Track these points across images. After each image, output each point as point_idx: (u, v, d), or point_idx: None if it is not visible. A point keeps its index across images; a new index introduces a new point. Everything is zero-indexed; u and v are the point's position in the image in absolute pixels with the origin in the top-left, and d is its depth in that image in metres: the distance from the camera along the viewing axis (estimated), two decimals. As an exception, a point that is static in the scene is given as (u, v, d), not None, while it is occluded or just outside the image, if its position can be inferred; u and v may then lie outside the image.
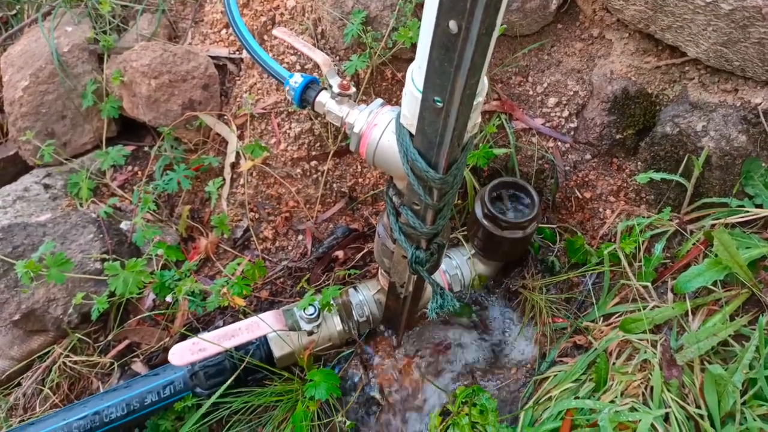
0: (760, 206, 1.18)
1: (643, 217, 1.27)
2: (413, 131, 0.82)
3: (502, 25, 1.31)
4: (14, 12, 1.90)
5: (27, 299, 1.26)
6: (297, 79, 1.04)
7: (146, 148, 1.58)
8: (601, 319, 1.24)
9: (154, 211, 1.50)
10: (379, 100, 1.01)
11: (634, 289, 1.21)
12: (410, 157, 0.84)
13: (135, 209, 1.48)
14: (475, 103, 0.76)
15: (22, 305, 1.26)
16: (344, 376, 1.31)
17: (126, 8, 1.65)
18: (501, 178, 1.30)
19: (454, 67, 0.65)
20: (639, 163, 1.30)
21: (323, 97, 1.02)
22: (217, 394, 1.13)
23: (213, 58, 1.57)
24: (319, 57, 1.04)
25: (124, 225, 1.43)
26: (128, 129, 1.64)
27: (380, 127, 0.94)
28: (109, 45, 1.56)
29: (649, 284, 1.19)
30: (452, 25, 0.60)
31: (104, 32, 1.59)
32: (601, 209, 1.35)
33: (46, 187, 1.53)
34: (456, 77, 0.66)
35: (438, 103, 0.71)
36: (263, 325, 1.16)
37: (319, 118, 1.43)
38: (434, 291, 0.94)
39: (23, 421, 1.27)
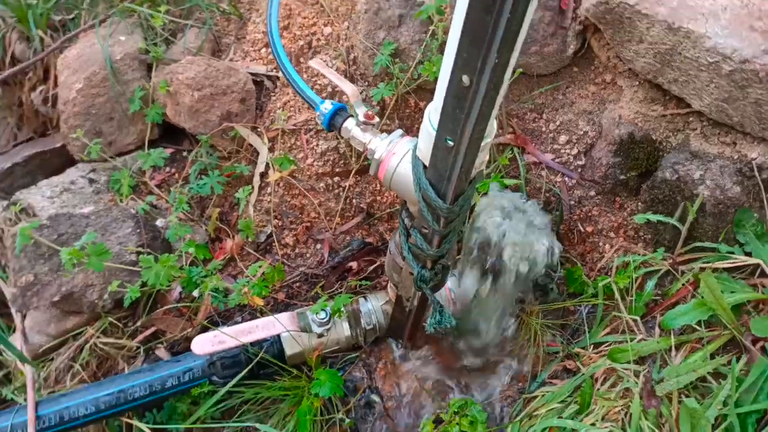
0: (749, 254, 1.26)
1: (639, 254, 1.35)
2: (427, 163, 0.93)
3: (518, 68, 1.42)
4: (72, 16, 2.05)
5: (67, 283, 1.39)
6: (327, 106, 1.16)
7: (184, 153, 1.71)
8: (592, 346, 1.33)
9: (186, 211, 1.62)
10: (399, 131, 1.12)
11: (624, 322, 1.29)
12: (422, 186, 0.94)
13: (170, 208, 1.61)
14: (482, 144, 0.86)
15: (62, 288, 1.39)
16: (348, 378, 1.41)
17: (175, 23, 1.78)
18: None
19: (464, 115, 0.75)
20: (640, 203, 1.39)
21: (349, 124, 1.14)
22: (232, 383, 1.24)
23: (252, 74, 1.69)
24: (348, 88, 1.15)
25: (159, 222, 1.55)
26: (169, 133, 1.77)
27: (398, 156, 1.05)
28: (158, 56, 1.69)
29: (638, 318, 1.28)
30: (465, 79, 0.70)
31: (154, 44, 1.73)
32: (601, 243, 1.44)
33: (91, 181, 1.67)
34: (466, 123, 0.76)
35: (449, 143, 0.82)
36: (278, 324, 1.27)
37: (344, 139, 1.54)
38: (434, 308, 1.04)
39: (54, 392, 1.39)
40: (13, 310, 1.43)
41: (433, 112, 0.87)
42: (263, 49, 1.75)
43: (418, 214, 1.05)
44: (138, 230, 1.48)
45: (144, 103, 1.69)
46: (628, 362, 1.22)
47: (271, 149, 1.61)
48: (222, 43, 1.86)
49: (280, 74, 1.69)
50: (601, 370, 1.25)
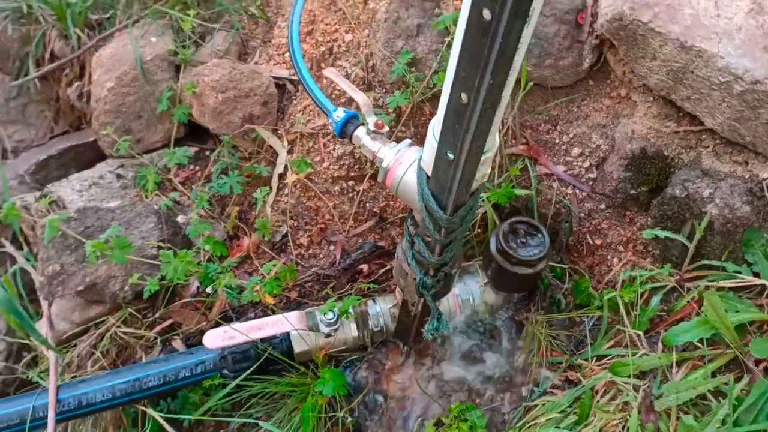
0: (757, 274, 1.25)
1: (646, 269, 1.36)
2: (430, 174, 0.96)
3: (531, 81, 1.43)
4: (108, 16, 2.14)
5: (91, 273, 1.46)
6: (339, 114, 1.20)
7: (207, 152, 1.77)
8: (594, 359, 1.34)
9: (207, 208, 1.68)
10: (408, 141, 1.16)
11: (627, 336, 1.30)
12: (424, 196, 0.98)
13: (191, 205, 1.67)
14: (482, 158, 0.88)
15: (86, 278, 1.46)
16: (354, 378, 1.45)
17: (204, 26, 1.85)
18: (517, 217, 1.41)
19: (463, 130, 0.78)
20: (649, 219, 1.39)
21: (360, 132, 1.17)
22: (242, 376, 1.30)
23: (275, 78, 1.75)
24: (360, 98, 1.19)
25: (180, 218, 1.62)
26: (194, 132, 1.84)
27: (405, 165, 1.08)
28: (186, 58, 1.76)
29: (641, 333, 1.28)
30: (463, 97, 0.73)
31: (183, 46, 1.80)
32: (609, 257, 1.44)
33: (119, 176, 1.74)
34: (465, 138, 0.79)
35: (449, 156, 0.85)
36: (287, 323, 1.32)
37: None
38: (432, 314, 1.07)
39: (75, 377, 1.46)
40: (40, 298, 1.50)
41: (435, 126, 0.90)
42: (287, 54, 1.80)
43: (421, 222, 1.08)
44: (160, 226, 1.55)
45: (171, 103, 1.75)
46: (629, 376, 1.23)
47: (290, 151, 1.66)
48: (249, 46, 1.92)
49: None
50: (602, 382, 1.27)
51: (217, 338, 1.28)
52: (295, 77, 1.75)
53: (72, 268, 1.47)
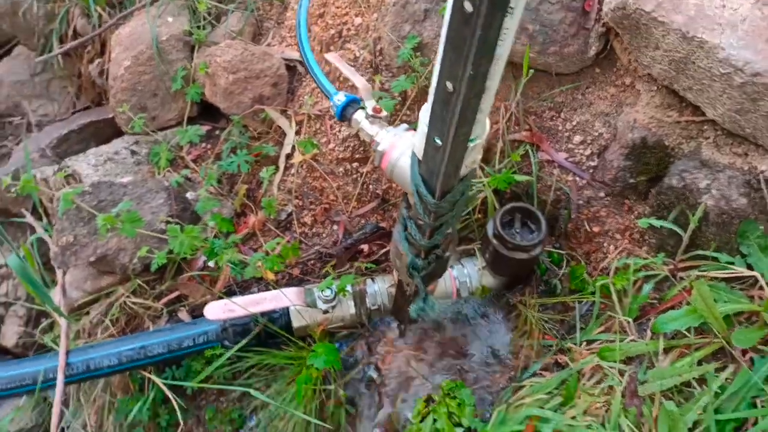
0: (750, 266, 1.26)
1: (641, 258, 1.37)
2: (421, 159, 0.99)
3: (534, 68, 1.44)
4: (130, -5, 2.19)
5: (102, 246, 1.53)
6: (340, 98, 1.23)
7: (219, 131, 1.82)
8: (584, 343, 1.36)
9: (217, 186, 1.73)
10: (404, 126, 1.18)
11: (617, 322, 1.32)
12: (415, 180, 1.01)
13: (202, 182, 1.73)
14: (470, 146, 0.91)
15: (97, 250, 1.52)
16: (350, 354, 1.50)
17: (218, 7, 1.88)
18: (516, 203, 1.43)
19: (449, 118, 0.80)
20: (647, 208, 1.40)
21: (359, 116, 1.20)
22: (239, 345, 1.35)
23: (285, 59, 1.78)
24: (359, 82, 1.22)
25: (189, 195, 1.67)
26: (207, 111, 1.89)
27: (399, 150, 1.11)
28: (200, 38, 1.80)
29: (631, 320, 1.30)
30: (449, 85, 0.76)
31: (198, 26, 1.84)
32: (606, 244, 1.46)
33: (133, 153, 1.80)
34: (451, 125, 0.81)
35: (437, 142, 0.87)
36: (285, 298, 1.36)
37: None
38: (419, 295, 1.11)
39: (86, 343, 1.54)
40: (54, 266, 1.58)
41: (425, 112, 0.93)
42: (298, 36, 1.83)
43: (413, 206, 1.11)
44: (170, 201, 1.60)
45: (185, 83, 1.80)
46: (616, 361, 1.25)
47: (297, 132, 1.70)
48: (263, 27, 1.95)
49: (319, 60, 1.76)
50: (589, 366, 1.29)
51: (217, 310, 1.34)
52: (305, 59, 1.78)
53: (84, 240, 1.54)
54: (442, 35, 0.72)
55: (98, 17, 2.13)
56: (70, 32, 2.23)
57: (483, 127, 0.92)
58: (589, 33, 1.42)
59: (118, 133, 2.04)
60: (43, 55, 2.27)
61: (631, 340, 1.28)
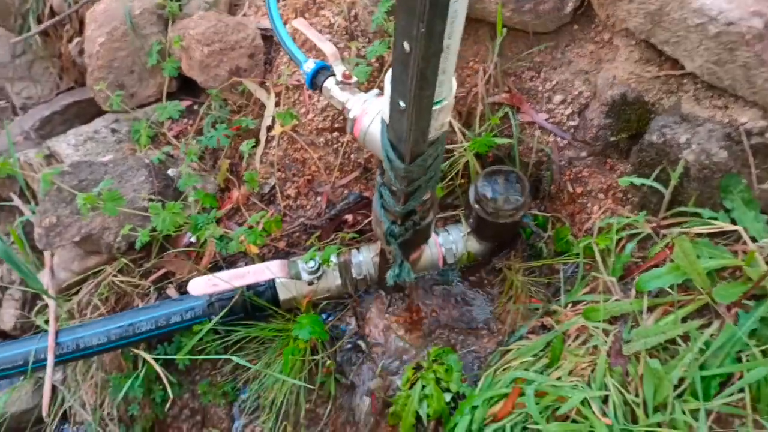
0: (734, 221, 1.24)
1: (624, 217, 1.36)
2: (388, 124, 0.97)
3: (508, 27, 1.40)
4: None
5: (86, 225, 1.52)
6: (310, 65, 1.21)
7: (198, 106, 1.79)
8: (570, 305, 1.36)
9: (199, 161, 1.72)
10: (375, 91, 1.16)
11: (602, 282, 1.31)
12: (384, 146, 0.99)
13: (184, 158, 1.71)
14: (436, 108, 0.89)
15: (82, 230, 1.52)
16: (337, 325, 1.51)
17: (192, -22, 1.84)
18: (496, 166, 1.42)
19: (409, 79, 0.78)
20: (629, 166, 1.38)
21: (329, 83, 1.18)
22: (222, 314, 1.36)
23: (261, 29, 1.74)
24: (327, 48, 1.19)
25: (171, 171, 1.66)
26: (187, 85, 1.86)
27: (370, 116, 1.10)
28: (174, 11, 1.76)
29: (614, 279, 1.30)
30: (405, 45, 0.74)
31: (171, -1, 1.80)
32: (589, 204, 1.44)
33: (113, 131, 1.79)
34: (411, 87, 0.80)
35: (401, 105, 0.85)
36: (268, 272, 1.36)
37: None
38: (395, 261, 1.10)
39: (78, 323, 1.55)
40: (40, 248, 1.58)
41: (389, 75, 0.91)
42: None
43: (385, 172, 1.10)
44: (151, 179, 1.60)
45: (161, 57, 1.77)
46: (600, 321, 1.26)
47: (277, 104, 1.68)
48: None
49: (288, 28, 1.73)
50: (574, 327, 1.29)
51: (201, 286, 1.34)
52: (282, 28, 1.74)
53: (68, 220, 1.53)
54: (398, -4, 0.70)
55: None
56: (47, 11, 2.19)
57: (449, 89, 0.90)
58: (567, -12, 1.39)
59: (101, 112, 2.02)
60: (21, 35, 2.24)
61: (616, 300, 1.28)
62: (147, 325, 1.41)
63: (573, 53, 1.45)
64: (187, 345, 1.43)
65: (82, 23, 2.17)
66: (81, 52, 2.17)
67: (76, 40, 2.19)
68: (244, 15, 1.83)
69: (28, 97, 2.50)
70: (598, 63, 1.42)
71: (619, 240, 1.34)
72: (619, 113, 1.36)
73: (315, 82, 1.21)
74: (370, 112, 1.11)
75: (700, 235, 1.26)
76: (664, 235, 1.30)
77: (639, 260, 1.32)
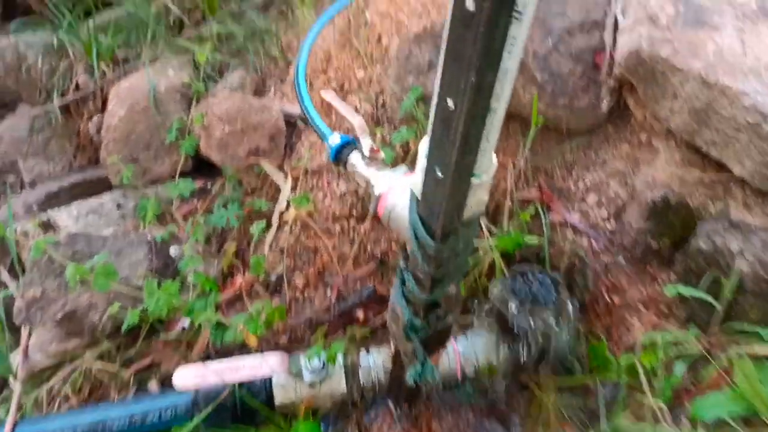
0: (798, 342, 1.09)
1: (670, 332, 1.21)
2: (419, 197, 0.86)
3: (540, 115, 1.34)
4: (136, 53, 2.18)
5: (72, 301, 1.39)
6: (335, 139, 1.13)
7: (210, 187, 1.72)
8: (609, 432, 1.18)
9: (205, 244, 1.62)
10: (404, 167, 1.07)
11: (648, 408, 1.14)
12: (412, 220, 0.88)
13: (189, 237, 1.61)
14: (476, 182, 0.79)
15: (66, 306, 1.38)
16: (337, 436, 1.31)
17: (221, 61, 1.85)
18: (527, 264, 1.30)
19: (450, 142, 0.68)
20: (673, 274, 1.25)
21: (354, 158, 1.10)
22: (206, 413, 1.18)
23: (285, 114, 1.71)
24: (356, 120, 1.13)
25: (173, 250, 1.55)
26: (202, 167, 1.80)
27: (397, 192, 1.00)
28: (199, 90, 1.75)
29: (664, 405, 1.12)
30: (450, 102, 0.65)
31: (198, 79, 1.79)
32: (629, 317, 1.30)
33: (119, 206, 1.70)
34: (452, 151, 0.69)
35: (438, 174, 0.75)
36: (266, 365, 1.20)
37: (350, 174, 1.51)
38: (418, 357, 0.95)
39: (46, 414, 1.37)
40: (17, 324, 1.43)
41: (424, 143, 0.82)
42: (300, 92, 1.77)
43: (411, 255, 0.98)
44: (150, 256, 1.48)
45: (181, 135, 1.73)
46: (647, 453, 1.07)
47: (293, 189, 1.60)
48: (266, 85, 1.91)
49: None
50: (617, 460, 1.10)
51: (188, 377, 1.18)
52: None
53: (53, 294, 1.40)
54: (442, 45, 0.63)
55: (102, 74, 2.11)
56: (72, 87, 2.21)
57: (489, 163, 0.81)
58: (601, 87, 1.34)
59: (110, 189, 1.96)
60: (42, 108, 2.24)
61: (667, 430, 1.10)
62: (120, 422, 1.23)
63: (607, 153, 1.38)
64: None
65: (105, 103, 2.17)
66: (99, 129, 2.15)
67: (95, 117, 2.18)
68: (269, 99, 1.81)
69: (39, 174, 2.46)
70: (635, 164, 1.34)
71: (665, 359, 1.18)
72: (660, 217, 1.26)
73: (339, 156, 1.13)
74: (397, 188, 1.01)
75: (758, 357, 1.11)
76: (718, 356, 1.14)
77: (689, 383, 1.16)
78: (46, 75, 2.24)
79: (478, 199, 0.85)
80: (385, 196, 1.01)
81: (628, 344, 1.27)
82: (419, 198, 0.85)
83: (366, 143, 1.12)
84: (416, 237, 0.88)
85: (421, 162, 0.80)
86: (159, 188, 1.76)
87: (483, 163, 0.78)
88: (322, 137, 1.14)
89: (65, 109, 2.23)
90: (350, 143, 1.13)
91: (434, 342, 1.09)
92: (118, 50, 2.15)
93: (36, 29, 2.39)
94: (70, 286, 1.34)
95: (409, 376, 0.95)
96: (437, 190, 0.77)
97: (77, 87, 2.20)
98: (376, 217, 1.51)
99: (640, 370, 1.17)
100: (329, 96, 1.20)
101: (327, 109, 1.59)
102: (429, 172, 0.77)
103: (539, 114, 1.33)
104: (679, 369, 1.15)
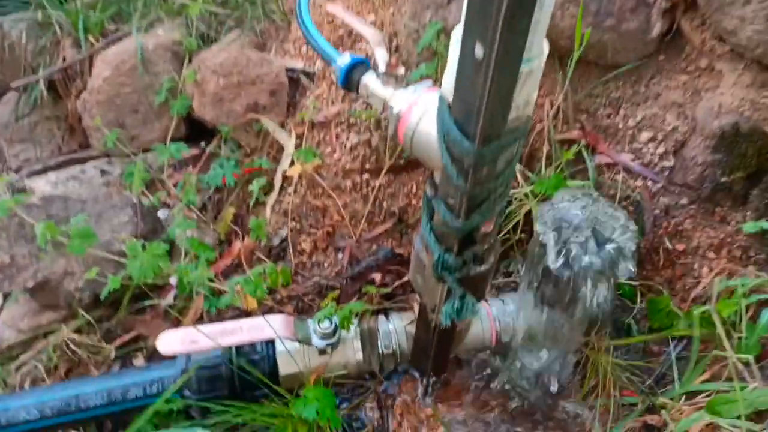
0: None
1: (749, 278, 1.01)
2: (451, 97, 0.68)
3: (586, 49, 1.16)
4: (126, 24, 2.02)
5: (45, 268, 1.21)
6: (345, 59, 0.95)
7: (205, 145, 1.55)
8: (684, 397, 0.97)
9: (201, 211, 1.44)
10: (428, 81, 0.89)
11: (730, 364, 0.94)
12: (444, 125, 0.70)
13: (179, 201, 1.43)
14: (526, 68, 0.61)
15: (38, 273, 1.20)
16: (354, 414, 1.11)
17: (217, 15, 1.68)
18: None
19: (495, 10, 0.50)
20: (749, 213, 1.06)
21: (368, 79, 0.92)
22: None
23: (288, 69, 1.54)
24: (369, 32, 0.96)
25: (161, 213, 1.37)
26: (195, 132, 1.63)
27: (420, 108, 0.80)
28: (191, 48, 1.58)
29: (750, 358, 0.92)
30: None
31: (191, 35, 1.63)
32: (696, 266, 1.10)
33: (103, 172, 1.53)
34: (498, 20, 0.51)
35: (477, 52, 0.56)
36: (268, 328, 1.01)
37: (378, 131, 1.33)
38: (453, 293, 0.76)
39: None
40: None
41: (458, 27, 0.63)
42: (304, 48, 1.60)
43: (442, 175, 0.79)
44: (135, 219, 1.30)
45: (171, 96, 1.56)
46: (737, 417, 0.87)
47: (297, 146, 1.42)
48: (267, 47, 1.74)
49: (317, 68, 1.53)
50: (698, 426, 0.90)
51: (175, 342, 0.98)
52: (311, 69, 1.54)
53: (24, 261, 1.22)
54: None
55: (90, 46, 1.96)
56: (59, 62, 2.05)
57: (540, 49, 0.62)
58: (651, 9, 1.17)
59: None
60: (28, 89, 2.08)
61: (755, 388, 0.90)
62: (96, 398, 1.03)
63: (661, 86, 1.20)
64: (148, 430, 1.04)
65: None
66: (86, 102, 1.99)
67: (84, 94, 2.02)
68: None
69: (26, 160, 2.29)
70: (695, 94, 1.16)
71: (747, 307, 0.98)
72: (730, 148, 1.08)
73: (350, 79, 0.95)
74: (422, 103, 0.82)
75: None
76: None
77: (780, 335, 0.96)
78: (30, 54, 2.09)
79: (526, 95, 0.66)
80: (406, 114, 0.82)
81: (697, 296, 1.08)
82: (452, 98, 0.67)
83: (382, 57, 0.94)
84: (448, 148, 0.70)
85: (453, 51, 0.63)
86: (149, 156, 1.58)
87: (533, 46, 0.60)
88: (329, 60, 0.97)
89: (52, 88, 2.07)
90: (361, 63, 0.95)
91: (472, 286, 0.89)
92: (108, 25, 2.00)
93: (20, 7, 2.25)
94: (41, 250, 1.16)
95: (444, 315, 0.76)
96: (477, 77, 0.58)
97: (64, 61, 2.04)
98: (392, 170, 1.33)
99: (717, 322, 0.97)
100: (337, 10, 1.03)
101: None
102: (465, 51, 0.59)
103: (583, 36, 1.15)
104: (766, 317, 0.96)
